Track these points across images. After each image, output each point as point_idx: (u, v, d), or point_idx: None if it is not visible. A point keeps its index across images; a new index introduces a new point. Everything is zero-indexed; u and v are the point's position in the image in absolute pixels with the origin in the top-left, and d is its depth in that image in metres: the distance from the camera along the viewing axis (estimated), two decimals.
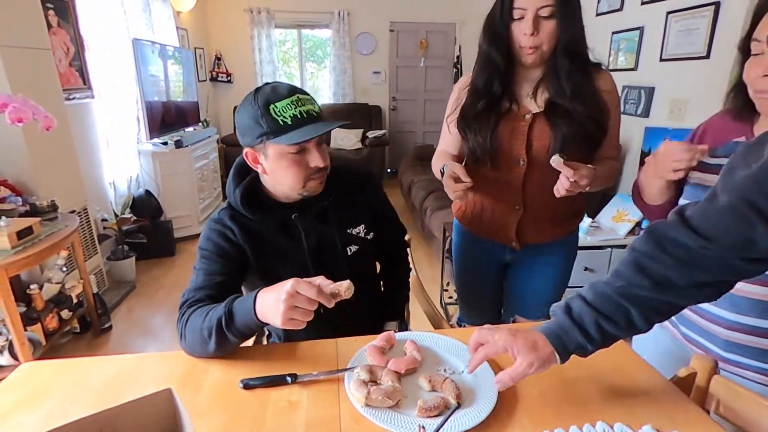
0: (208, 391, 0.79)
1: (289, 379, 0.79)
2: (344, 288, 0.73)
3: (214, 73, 5.37)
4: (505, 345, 0.69)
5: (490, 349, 0.70)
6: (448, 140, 1.27)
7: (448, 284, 2.59)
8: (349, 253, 1.07)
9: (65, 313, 2.14)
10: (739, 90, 0.85)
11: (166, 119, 3.60)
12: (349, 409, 0.74)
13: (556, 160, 0.97)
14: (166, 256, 3.29)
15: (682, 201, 0.91)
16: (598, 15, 2.85)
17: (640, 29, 2.49)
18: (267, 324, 0.77)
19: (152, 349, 2.23)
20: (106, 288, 2.74)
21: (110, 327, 2.40)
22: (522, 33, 1.05)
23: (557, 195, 1.00)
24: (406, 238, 1.33)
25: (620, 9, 2.65)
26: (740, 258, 0.61)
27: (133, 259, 2.91)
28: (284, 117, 0.89)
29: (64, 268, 2.24)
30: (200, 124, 4.41)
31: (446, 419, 0.67)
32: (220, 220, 0.99)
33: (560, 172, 0.98)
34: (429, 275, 2.87)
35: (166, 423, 0.58)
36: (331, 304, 0.72)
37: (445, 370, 0.83)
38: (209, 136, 4.15)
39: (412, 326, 1.45)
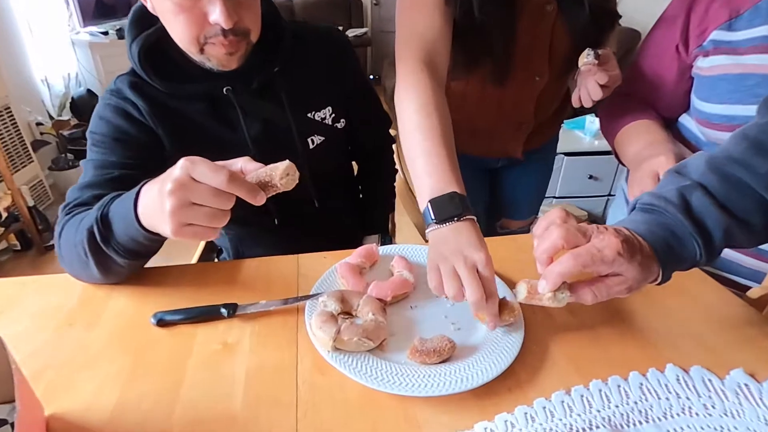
0: (106, 329, 0.54)
1: (224, 311, 0.55)
2: (280, 173, 0.44)
3: None
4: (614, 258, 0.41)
5: (588, 261, 0.41)
6: (430, 17, 0.69)
7: None
8: (311, 146, 0.78)
9: None
10: None
11: (105, 2, 3.00)
12: (312, 354, 0.50)
13: (589, 61, 0.72)
14: None
15: (704, 106, 0.69)
16: None
17: None
18: (158, 234, 0.49)
19: None
20: (51, 201, 2.42)
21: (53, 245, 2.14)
22: None
23: (577, 105, 0.78)
24: (392, 132, 1.04)
25: None
26: None
27: (81, 169, 2.56)
28: None
29: None
30: None
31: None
32: (118, 90, 0.67)
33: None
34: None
35: None
36: (257, 200, 0.44)
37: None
38: None
39: (398, 241, 1.22)
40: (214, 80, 0.69)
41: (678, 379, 0.48)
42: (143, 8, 0.66)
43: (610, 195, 2.05)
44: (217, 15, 0.58)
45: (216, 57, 0.64)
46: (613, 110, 0.83)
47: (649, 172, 0.64)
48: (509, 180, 1.15)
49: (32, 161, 2.30)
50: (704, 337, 0.54)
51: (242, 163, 0.46)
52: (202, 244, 0.97)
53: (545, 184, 1.21)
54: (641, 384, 0.48)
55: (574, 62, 0.76)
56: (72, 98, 2.65)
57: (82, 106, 2.67)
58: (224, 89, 0.69)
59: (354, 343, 0.48)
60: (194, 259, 0.94)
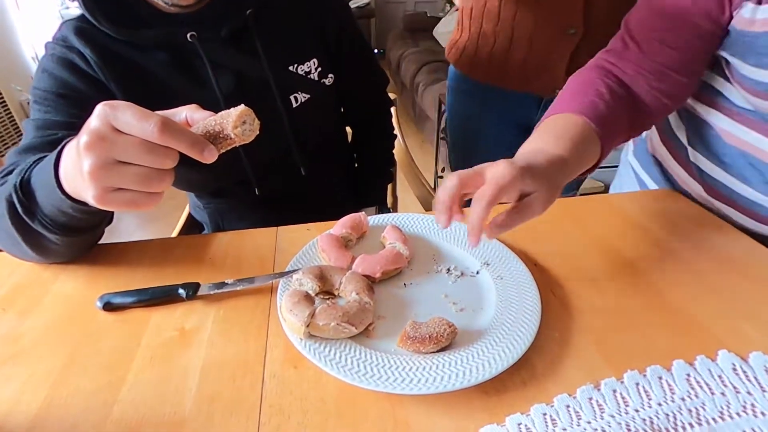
0: (44, 316, 0.46)
1: (183, 292, 0.46)
2: (233, 121, 0.34)
3: None
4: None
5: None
6: None
7: (443, 170, 2.24)
8: (294, 105, 0.68)
9: None
10: None
11: None
12: (284, 343, 0.42)
13: None
14: None
15: (747, 66, 0.50)
16: None
17: None
18: (85, 204, 0.40)
19: None
20: None
21: None
22: None
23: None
24: (391, 96, 0.93)
25: None
26: None
27: None
28: None
29: None
30: None
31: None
32: (64, 38, 0.57)
33: None
34: (420, 164, 2.51)
35: None
36: (204, 155, 0.34)
37: (449, 270, 0.50)
38: None
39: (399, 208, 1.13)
40: (176, 26, 0.59)
41: (734, 369, 0.39)
42: None
43: None
44: None
45: None
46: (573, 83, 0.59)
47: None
48: None
49: None
50: (762, 315, 0.44)
51: (188, 112, 0.36)
52: (182, 218, 0.88)
53: None
54: (688, 375, 0.39)
55: None
56: None
57: None
58: (188, 35, 0.58)
59: (332, 329, 0.40)
60: (176, 228, 0.85)
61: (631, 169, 0.78)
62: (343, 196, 0.86)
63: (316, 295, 0.44)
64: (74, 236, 0.47)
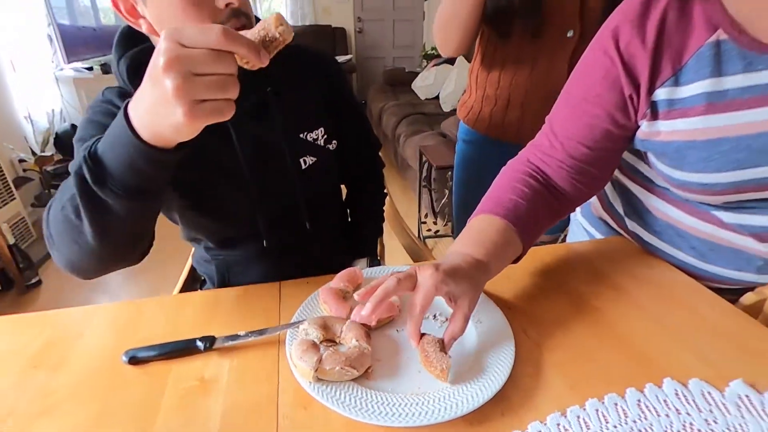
0: (74, 371, 0.51)
1: (201, 344, 0.52)
2: (273, 22, 0.39)
3: None
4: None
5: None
6: None
7: (426, 216, 2.35)
8: (304, 167, 0.77)
9: None
10: None
11: (89, 42, 3.02)
12: (293, 386, 0.48)
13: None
14: None
15: (672, 172, 0.59)
16: None
17: None
18: (164, 150, 0.43)
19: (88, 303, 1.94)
20: (33, 239, 2.36)
21: (39, 282, 2.08)
22: None
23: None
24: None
25: None
26: None
27: None
28: None
29: None
30: None
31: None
32: (108, 100, 0.65)
33: None
34: (404, 209, 2.62)
35: None
36: (261, 58, 0.39)
37: (435, 316, 0.57)
38: None
39: (388, 260, 1.20)
40: None
41: (677, 394, 0.46)
42: (129, 29, 0.66)
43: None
44: None
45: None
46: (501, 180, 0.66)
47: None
48: None
49: (14, 198, 2.25)
50: (701, 347, 0.52)
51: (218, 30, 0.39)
52: (185, 273, 0.94)
53: None
54: (639, 401, 0.46)
55: (600, 22, 0.73)
56: (56, 134, 2.63)
57: (66, 140, 2.65)
58: None
59: (337, 373, 0.46)
60: (176, 290, 0.91)
61: (582, 227, 0.88)
62: (339, 248, 0.93)
63: (321, 342, 0.51)
64: (139, 200, 0.48)
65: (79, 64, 2.87)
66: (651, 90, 0.56)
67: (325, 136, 0.79)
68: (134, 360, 0.51)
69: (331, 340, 0.52)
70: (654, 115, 0.57)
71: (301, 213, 0.78)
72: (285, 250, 0.79)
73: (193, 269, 0.94)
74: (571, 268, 0.68)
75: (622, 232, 0.77)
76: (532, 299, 0.61)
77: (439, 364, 0.46)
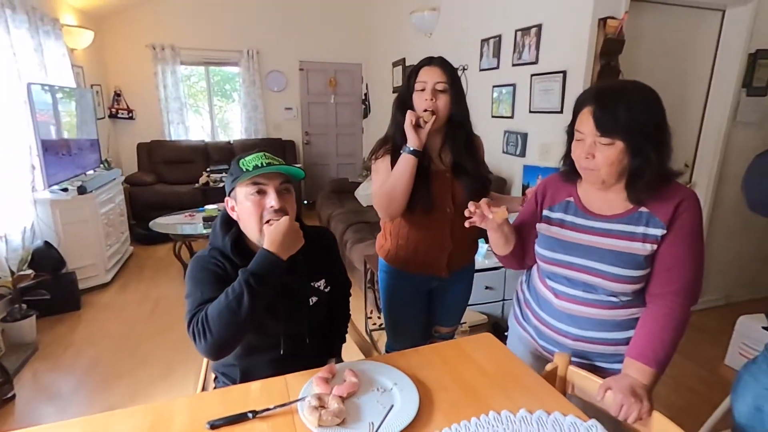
0: None
1: (250, 415, 0.94)
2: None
3: (113, 110, 5.12)
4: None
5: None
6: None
7: (371, 312, 2.81)
8: (311, 304, 1.23)
9: None
10: (567, 158, 1.20)
11: (64, 162, 3.39)
12: (306, 431, 0.91)
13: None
14: (71, 310, 3.07)
15: (538, 248, 1.23)
16: (481, 70, 3.37)
17: (513, 86, 3.02)
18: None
19: (67, 415, 2.10)
20: (2, 353, 2.49)
21: (13, 396, 2.20)
22: (423, 100, 1.39)
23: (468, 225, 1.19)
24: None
25: (497, 68, 3.18)
26: None
27: (33, 318, 2.68)
28: (248, 165, 1.11)
29: None
30: (102, 165, 4.18)
31: (385, 416, 0.89)
32: (214, 256, 1.12)
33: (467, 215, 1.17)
34: (353, 304, 3.05)
35: None
36: None
37: (378, 389, 1.04)
38: (114, 179, 3.96)
39: (346, 354, 1.64)
40: None
41: (498, 416, 0.96)
42: (226, 215, 1.17)
43: (504, 300, 2.65)
44: (272, 200, 1.09)
45: None
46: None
47: None
48: (441, 296, 1.66)
49: None
50: (509, 391, 1.03)
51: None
52: (203, 372, 1.33)
53: (467, 298, 1.73)
54: (487, 421, 0.94)
55: (466, 204, 1.14)
56: (31, 252, 2.86)
57: (40, 258, 2.89)
58: None
59: (329, 421, 0.90)
60: (199, 385, 1.28)
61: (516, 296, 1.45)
62: (323, 352, 1.37)
63: (317, 407, 0.95)
64: (272, 291, 1.03)
65: (55, 186, 3.19)
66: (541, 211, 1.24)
67: (325, 284, 1.27)
68: (214, 426, 0.91)
69: (323, 405, 0.96)
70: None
71: (305, 332, 1.23)
72: (291, 356, 1.22)
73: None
74: (458, 355, 1.19)
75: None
76: (435, 376, 1.10)
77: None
